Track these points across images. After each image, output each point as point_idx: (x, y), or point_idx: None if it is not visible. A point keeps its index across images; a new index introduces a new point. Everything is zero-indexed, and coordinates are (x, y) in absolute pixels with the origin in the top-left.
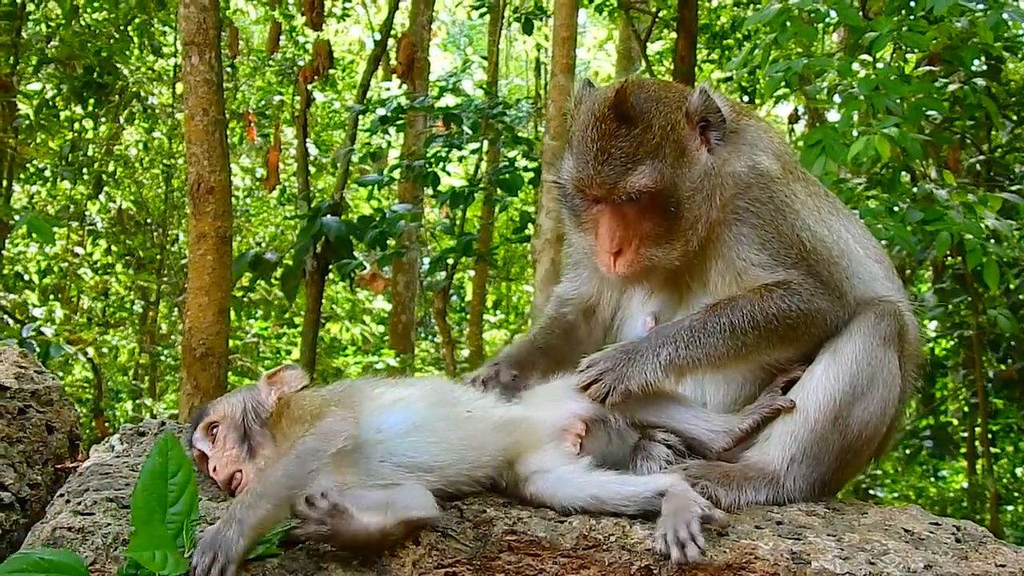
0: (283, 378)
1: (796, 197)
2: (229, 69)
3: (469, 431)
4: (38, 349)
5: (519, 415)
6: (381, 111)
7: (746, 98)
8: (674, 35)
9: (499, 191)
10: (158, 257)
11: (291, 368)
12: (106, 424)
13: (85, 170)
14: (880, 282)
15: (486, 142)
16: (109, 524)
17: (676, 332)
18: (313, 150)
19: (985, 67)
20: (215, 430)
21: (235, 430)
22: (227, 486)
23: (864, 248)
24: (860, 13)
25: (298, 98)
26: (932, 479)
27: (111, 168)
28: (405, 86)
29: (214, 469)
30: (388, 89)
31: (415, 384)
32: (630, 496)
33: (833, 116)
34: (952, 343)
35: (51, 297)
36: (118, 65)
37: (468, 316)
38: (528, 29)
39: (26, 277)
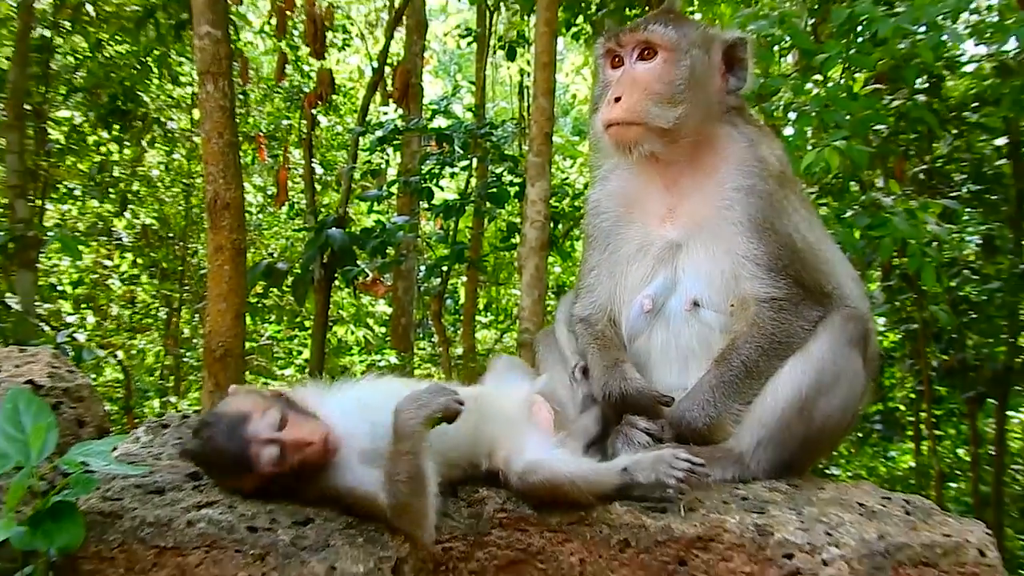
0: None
1: (790, 201)
2: (241, 96)
3: None
4: (72, 353)
5: (473, 390)
6: (379, 132)
7: None
8: None
9: (487, 204)
10: (180, 268)
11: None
12: (136, 420)
13: (111, 190)
14: (852, 298)
15: (475, 160)
16: (136, 508)
17: (703, 399)
18: (318, 169)
19: (927, 84)
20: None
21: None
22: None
23: (842, 264)
24: (812, 37)
25: (304, 122)
26: (883, 459)
27: (135, 187)
28: (401, 110)
29: (309, 433)
30: (385, 112)
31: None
32: (610, 468)
33: (788, 131)
34: (899, 336)
35: (83, 305)
36: (140, 93)
37: (461, 318)
38: (511, 56)
39: (60, 288)
